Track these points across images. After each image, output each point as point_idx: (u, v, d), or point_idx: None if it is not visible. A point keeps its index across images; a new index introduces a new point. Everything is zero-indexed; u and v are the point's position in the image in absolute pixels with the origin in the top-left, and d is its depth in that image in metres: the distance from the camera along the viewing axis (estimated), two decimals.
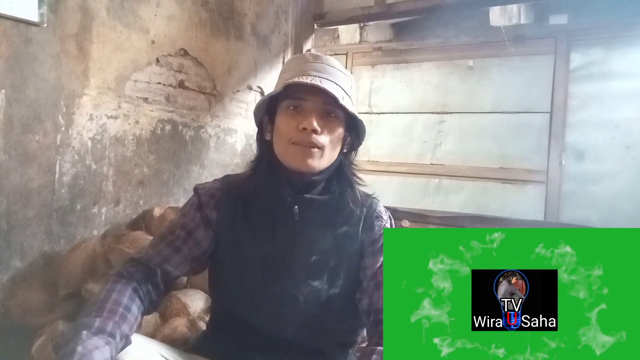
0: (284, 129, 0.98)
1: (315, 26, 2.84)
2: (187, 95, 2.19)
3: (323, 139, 0.97)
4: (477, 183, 3.72)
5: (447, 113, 3.89)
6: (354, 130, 1.04)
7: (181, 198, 2.19)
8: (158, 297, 1.00)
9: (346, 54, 4.33)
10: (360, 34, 4.21)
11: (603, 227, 2.12)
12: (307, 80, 0.94)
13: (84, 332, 0.80)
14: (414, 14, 2.81)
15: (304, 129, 0.95)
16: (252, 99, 2.55)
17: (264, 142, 1.06)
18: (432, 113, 3.94)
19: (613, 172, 3.18)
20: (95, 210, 1.85)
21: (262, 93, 2.61)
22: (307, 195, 1.02)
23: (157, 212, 1.98)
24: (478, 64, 3.75)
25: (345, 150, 1.06)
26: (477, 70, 3.75)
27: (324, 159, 0.99)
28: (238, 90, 2.47)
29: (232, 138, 2.46)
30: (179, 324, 1.48)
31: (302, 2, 2.80)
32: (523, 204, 3.47)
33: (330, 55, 4.64)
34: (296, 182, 1.01)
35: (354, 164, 1.10)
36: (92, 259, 1.68)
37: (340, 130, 1.00)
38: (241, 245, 1.03)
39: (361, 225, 1.06)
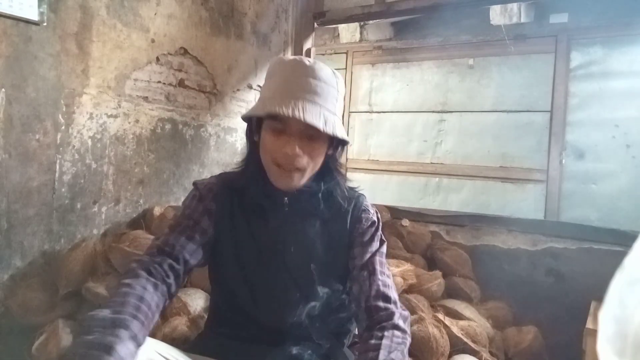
0: (268, 148, 1.01)
1: (316, 25, 2.84)
2: (187, 94, 2.19)
3: (305, 161, 1.00)
4: (477, 182, 3.72)
5: (447, 112, 3.89)
6: (338, 140, 1.05)
7: (181, 197, 2.19)
8: (177, 289, 1.01)
9: (346, 53, 4.33)
10: (361, 33, 4.21)
11: (603, 226, 2.12)
12: (289, 110, 0.93)
13: (122, 331, 0.79)
14: (414, 13, 2.80)
15: (287, 153, 0.97)
16: (252, 98, 2.55)
17: (253, 142, 1.08)
18: (432, 112, 3.94)
19: (613, 171, 3.18)
20: (96, 209, 1.86)
21: None
22: (296, 191, 1.06)
23: (157, 211, 1.98)
24: (478, 62, 3.75)
25: (329, 152, 1.07)
26: (478, 69, 3.75)
27: (305, 177, 1.03)
28: (238, 89, 2.47)
29: (232, 137, 2.46)
30: (179, 323, 1.48)
31: (302, 1, 2.80)
32: (523, 203, 3.48)
33: (331, 54, 4.65)
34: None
35: (339, 162, 1.13)
36: (93, 258, 1.68)
37: (323, 148, 1.03)
38: (238, 236, 1.08)
39: (349, 217, 1.11)
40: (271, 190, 1.05)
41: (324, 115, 0.97)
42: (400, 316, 1.01)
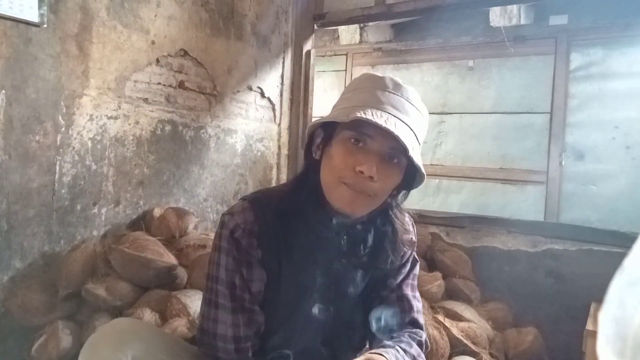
0: (338, 163, 0.87)
1: (315, 26, 2.85)
2: (187, 95, 2.19)
3: (377, 186, 0.87)
4: (477, 183, 3.72)
5: (447, 113, 3.90)
6: (411, 177, 0.93)
7: (181, 198, 2.19)
8: None
9: (346, 55, 4.33)
10: (360, 35, 4.21)
11: (603, 227, 2.13)
12: (381, 120, 0.81)
13: None
14: (414, 14, 2.81)
15: (361, 172, 0.84)
16: (252, 99, 2.55)
17: (312, 161, 0.95)
18: (432, 113, 3.92)
19: (613, 173, 3.18)
20: (95, 210, 1.86)
21: (262, 93, 2.61)
22: (355, 226, 0.97)
23: (157, 212, 1.98)
24: (478, 64, 3.75)
25: (394, 192, 0.96)
26: (477, 71, 3.76)
27: (370, 206, 0.91)
28: (238, 91, 2.47)
29: (232, 138, 2.46)
30: (179, 324, 1.48)
31: (302, 2, 2.80)
32: (523, 204, 3.48)
33: (330, 56, 4.65)
34: (336, 215, 0.93)
35: (401, 207, 1.02)
36: (92, 259, 1.68)
37: (398, 179, 0.90)
38: (285, 277, 0.97)
39: (394, 252, 1.02)
40: (325, 224, 0.94)
41: (412, 139, 0.85)
42: (425, 340, 1.04)
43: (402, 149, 0.83)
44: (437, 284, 1.92)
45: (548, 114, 3.40)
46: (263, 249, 0.94)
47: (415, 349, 0.98)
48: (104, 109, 1.84)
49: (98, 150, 1.84)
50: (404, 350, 0.94)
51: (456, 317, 1.78)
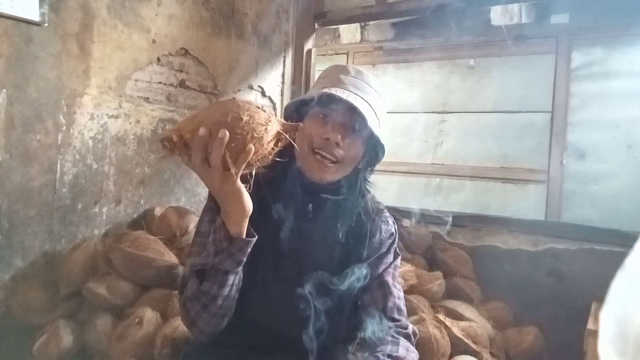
0: (309, 133, 1.01)
1: (316, 25, 2.84)
2: (188, 94, 2.19)
3: (342, 153, 1.01)
4: (478, 182, 3.72)
5: (448, 112, 3.89)
6: (373, 150, 1.08)
7: (182, 197, 2.19)
8: None
9: (347, 54, 4.33)
10: (361, 33, 4.21)
11: (604, 226, 2.12)
12: (344, 95, 0.97)
13: None
14: (414, 13, 2.80)
15: (328, 139, 0.98)
16: (253, 98, 2.55)
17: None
18: (433, 112, 3.94)
19: (614, 172, 3.18)
20: (97, 209, 1.86)
21: (263, 92, 2.61)
22: (323, 195, 1.06)
23: (158, 211, 1.98)
24: (479, 63, 3.75)
25: (360, 166, 1.08)
26: (478, 70, 3.75)
27: (338, 173, 1.03)
28: (239, 90, 2.47)
29: None
30: (180, 324, 1.48)
31: (302, 1, 2.80)
32: (524, 204, 3.47)
33: (331, 55, 4.64)
34: (310, 185, 1.05)
35: (369, 181, 1.14)
36: (93, 258, 1.68)
37: (360, 148, 1.04)
38: (259, 245, 0.98)
39: (369, 229, 1.11)
40: (298, 196, 1.04)
41: (370, 113, 1.00)
42: (412, 330, 1.08)
43: (363, 122, 0.98)
44: (437, 283, 1.92)
45: (549, 113, 3.39)
46: None
47: (403, 345, 1.01)
48: (105, 107, 1.84)
49: (99, 149, 1.84)
50: (389, 356, 0.98)
51: (457, 316, 1.78)
